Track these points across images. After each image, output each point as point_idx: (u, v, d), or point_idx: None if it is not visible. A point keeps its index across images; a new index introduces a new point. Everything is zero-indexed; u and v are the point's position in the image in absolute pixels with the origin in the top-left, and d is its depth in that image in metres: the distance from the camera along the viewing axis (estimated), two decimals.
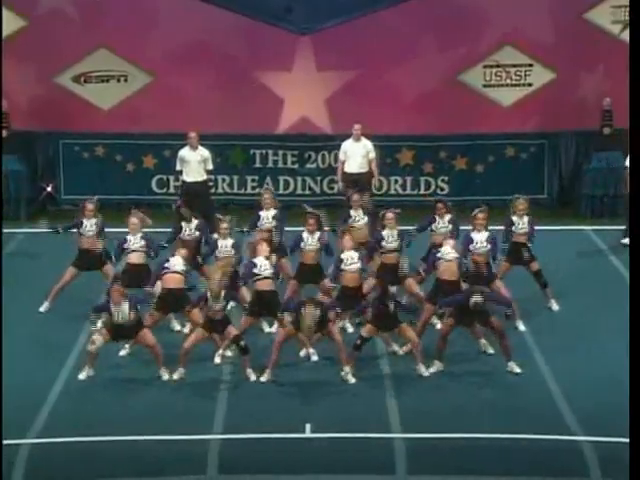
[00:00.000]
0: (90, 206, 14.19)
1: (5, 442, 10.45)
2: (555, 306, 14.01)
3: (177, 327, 13.30)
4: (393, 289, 12.45)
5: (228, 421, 11.07)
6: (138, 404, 11.50)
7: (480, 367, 12.35)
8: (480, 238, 13.23)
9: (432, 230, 13.82)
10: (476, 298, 11.87)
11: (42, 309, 13.96)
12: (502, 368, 12.26)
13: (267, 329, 13.21)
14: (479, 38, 18.71)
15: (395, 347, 12.61)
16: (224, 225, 13.43)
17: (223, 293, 12.02)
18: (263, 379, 11.94)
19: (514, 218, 13.85)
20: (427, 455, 10.48)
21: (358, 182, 16.53)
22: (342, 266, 12.66)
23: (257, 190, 18.21)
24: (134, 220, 13.69)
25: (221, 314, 12.05)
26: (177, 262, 12.75)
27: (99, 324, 12.67)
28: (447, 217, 13.85)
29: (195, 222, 13.92)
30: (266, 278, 12.49)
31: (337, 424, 10.95)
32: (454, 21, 18.51)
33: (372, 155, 17.04)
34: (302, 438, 10.72)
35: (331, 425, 10.93)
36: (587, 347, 12.88)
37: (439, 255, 12.77)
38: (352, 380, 11.93)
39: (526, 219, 13.85)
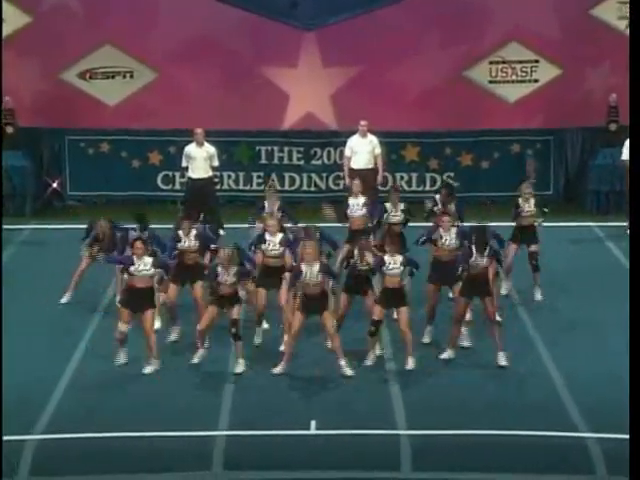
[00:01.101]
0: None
1: (11, 438, 10.47)
2: (539, 295, 14.13)
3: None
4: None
5: (233, 417, 11.07)
6: (143, 400, 11.50)
7: (485, 363, 12.34)
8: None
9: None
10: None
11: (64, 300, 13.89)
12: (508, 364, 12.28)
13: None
14: (485, 34, 18.69)
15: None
16: None
17: (234, 269, 11.94)
18: (349, 373, 11.91)
19: (520, 201, 14.10)
20: (432, 452, 10.47)
21: (364, 178, 16.51)
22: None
23: (263, 187, 18.22)
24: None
25: (232, 290, 12.01)
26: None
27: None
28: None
29: (193, 232, 13.10)
30: (275, 256, 12.53)
31: (342, 421, 10.94)
32: (460, 17, 18.49)
33: (378, 151, 17.04)
34: (307, 435, 10.72)
35: (336, 422, 10.92)
36: (592, 342, 12.86)
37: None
38: (349, 372, 11.88)
39: (532, 202, 14.11)
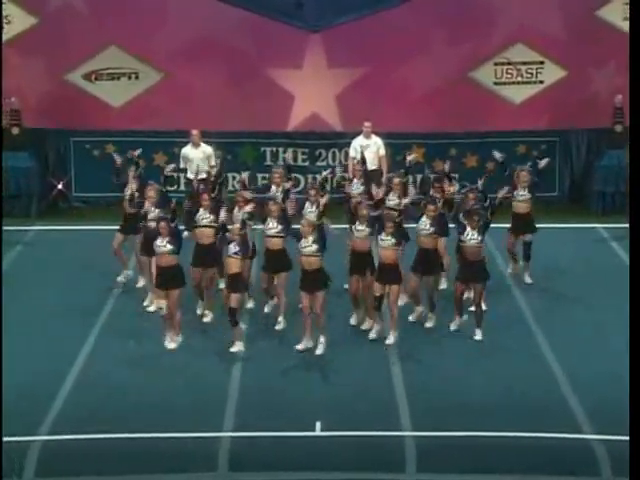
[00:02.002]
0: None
1: (16, 438, 10.48)
2: (528, 279, 14.61)
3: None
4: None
5: (238, 419, 11.08)
6: (148, 401, 11.51)
7: (489, 364, 12.35)
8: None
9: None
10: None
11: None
12: (511, 365, 12.27)
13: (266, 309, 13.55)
14: (490, 35, 18.67)
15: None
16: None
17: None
18: (300, 347, 12.45)
19: (518, 186, 14.53)
20: (436, 453, 10.47)
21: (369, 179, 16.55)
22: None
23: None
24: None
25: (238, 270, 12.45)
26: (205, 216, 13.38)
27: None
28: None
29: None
30: (275, 237, 12.96)
31: (347, 422, 10.95)
32: (464, 18, 18.47)
33: (382, 152, 17.05)
34: (312, 436, 10.72)
35: (341, 423, 10.93)
36: (598, 344, 12.86)
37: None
38: (320, 351, 12.37)
39: (527, 190, 14.47)
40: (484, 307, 13.48)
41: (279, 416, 11.08)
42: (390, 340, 12.69)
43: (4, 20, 18.52)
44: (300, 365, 12.25)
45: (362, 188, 14.43)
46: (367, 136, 17.04)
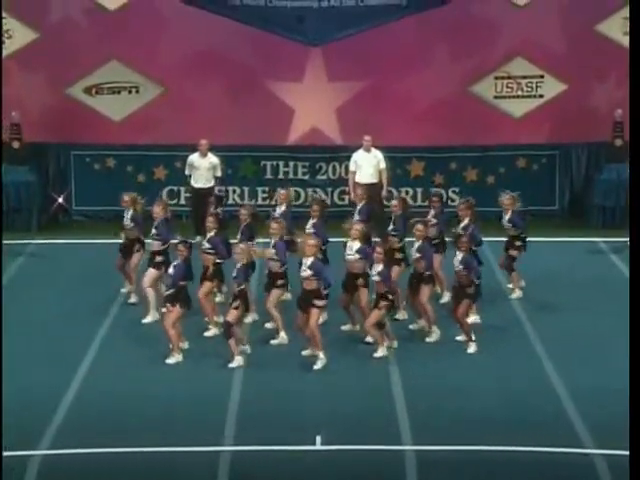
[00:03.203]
0: (126, 197, 14.31)
1: (16, 453, 10.43)
2: (517, 292, 14.57)
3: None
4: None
5: (238, 432, 11.02)
6: (148, 415, 11.45)
7: (489, 377, 12.30)
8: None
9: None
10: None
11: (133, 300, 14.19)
12: (512, 379, 12.22)
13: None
14: (490, 49, 18.68)
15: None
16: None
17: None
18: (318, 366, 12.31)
19: (502, 213, 14.57)
20: (437, 467, 10.42)
21: (369, 193, 16.52)
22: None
23: (267, 201, 18.26)
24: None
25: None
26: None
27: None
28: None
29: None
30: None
31: (347, 435, 10.89)
32: (464, 33, 18.49)
33: (383, 166, 17.05)
34: (312, 450, 10.67)
35: (341, 437, 10.87)
36: (598, 357, 12.81)
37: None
38: (319, 365, 12.25)
39: (510, 213, 14.52)
40: (478, 320, 13.50)
41: (279, 429, 11.03)
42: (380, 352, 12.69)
43: (5, 35, 18.55)
44: (300, 378, 12.18)
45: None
46: (367, 150, 17.03)
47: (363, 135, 17.11)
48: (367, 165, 17.01)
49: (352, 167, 17.14)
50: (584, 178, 18.87)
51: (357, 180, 17.01)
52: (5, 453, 10.32)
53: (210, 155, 17.00)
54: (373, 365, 12.47)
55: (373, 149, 17.03)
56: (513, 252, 14.59)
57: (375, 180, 17.00)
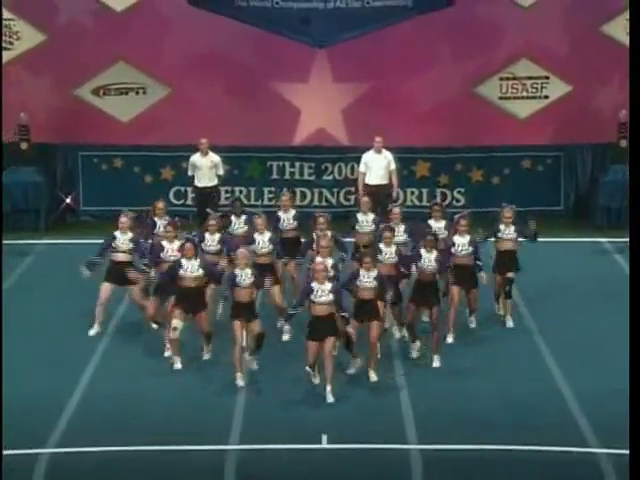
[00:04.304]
0: (123, 219, 13.65)
1: (24, 451, 10.45)
2: (510, 323, 13.78)
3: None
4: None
5: (245, 431, 11.02)
6: (155, 413, 11.46)
7: (493, 379, 12.28)
8: (462, 241, 13.34)
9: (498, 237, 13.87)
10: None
11: (92, 333, 13.50)
12: (516, 380, 12.21)
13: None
14: (495, 51, 18.67)
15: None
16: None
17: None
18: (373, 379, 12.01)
19: (501, 226, 13.87)
20: (442, 466, 10.41)
21: (379, 193, 16.57)
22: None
23: (274, 202, 18.26)
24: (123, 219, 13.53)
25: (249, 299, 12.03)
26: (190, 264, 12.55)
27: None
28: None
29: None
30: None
31: (353, 435, 10.89)
32: (470, 34, 18.47)
33: (393, 167, 17.02)
34: (319, 448, 10.67)
35: (347, 436, 10.87)
36: (603, 357, 12.79)
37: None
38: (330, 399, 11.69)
39: (512, 228, 13.83)
40: (473, 325, 13.44)
41: (285, 429, 11.03)
42: (373, 378, 12.18)
43: (13, 37, 18.58)
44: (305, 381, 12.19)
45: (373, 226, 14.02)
46: (377, 151, 17.02)
47: (369, 136, 17.07)
48: (377, 166, 16.98)
49: (362, 168, 17.08)
50: (589, 179, 18.84)
51: (367, 181, 16.99)
52: (11, 452, 10.36)
53: (211, 154, 17.05)
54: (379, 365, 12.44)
55: (384, 150, 17.01)
56: (512, 274, 13.67)
57: (385, 181, 16.98)
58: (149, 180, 18.77)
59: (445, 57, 18.57)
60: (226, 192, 18.32)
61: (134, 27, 18.57)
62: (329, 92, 18.66)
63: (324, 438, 10.80)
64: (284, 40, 18.23)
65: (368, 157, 17.02)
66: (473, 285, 13.38)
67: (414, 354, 12.83)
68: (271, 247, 13.50)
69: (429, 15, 18.17)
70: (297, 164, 18.73)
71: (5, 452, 10.37)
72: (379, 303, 12.24)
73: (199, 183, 17.12)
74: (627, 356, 12.17)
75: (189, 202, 18.53)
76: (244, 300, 12.06)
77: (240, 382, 11.97)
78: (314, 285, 11.73)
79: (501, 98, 18.85)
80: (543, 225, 16.70)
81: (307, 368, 11.75)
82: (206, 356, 12.71)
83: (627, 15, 18.42)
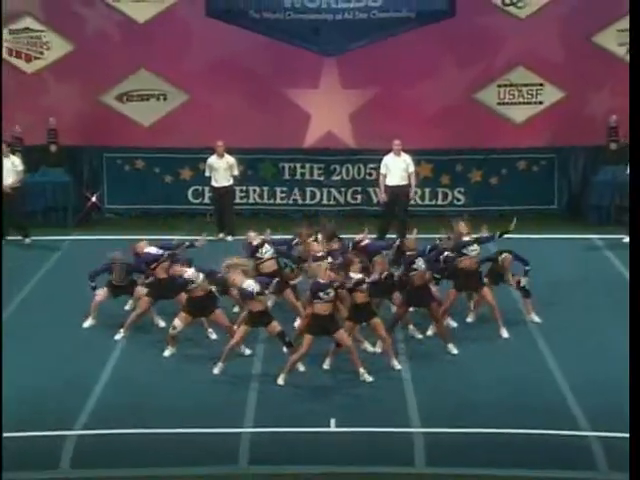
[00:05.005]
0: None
1: (52, 433, 10.46)
2: (505, 333, 13.00)
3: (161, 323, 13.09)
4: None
5: (258, 416, 11.00)
6: (173, 399, 11.44)
7: (493, 366, 12.24)
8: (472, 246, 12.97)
9: None
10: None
11: (86, 325, 13.31)
12: (514, 367, 12.16)
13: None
14: (493, 59, 18.63)
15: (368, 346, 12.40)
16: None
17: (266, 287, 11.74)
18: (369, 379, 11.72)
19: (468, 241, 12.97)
20: (444, 448, 10.38)
21: (398, 194, 16.64)
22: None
23: (285, 200, 18.31)
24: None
25: (263, 307, 11.80)
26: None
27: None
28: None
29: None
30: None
31: (360, 419, 10.86)
32: (470, 43, 18.43)
33: (411, 169, 17.08)
34: (327, 432, 10.65)
35: (354, 420, 10.84)
36: (595, 347, 12.74)
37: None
38: (369, 379, 11.67)
39: (476, 245, 12.95)
40: (453, 324, 13.14)
41: (297, 413, 11.01)
42: (394, 364, 12.01)
43: (44, 47, 18.63)
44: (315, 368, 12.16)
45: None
46: (397, 154, 17.02)
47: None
48: (396, 168, 17.02)
49: (383, 170, 17.11)
50: (581, 179, 18.79)
51: (387, 183, 17.01)
52: (42, 433, 10.37)
53: (227, 156, 17.21)
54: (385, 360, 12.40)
55: (402, 153, 17.02)
56: (524, 280, 13.11)
57: (404, 182, 17.04)
58: (169, 180, 18.77)
59: (446, 65, 18.53)
60: (240, 192, 18.38)
61: (155, 38, 18.57)
62: (338, 98, 18.63)
63: (332, 422, 10.78)
64: (295, 49, 18.22)
65: (388, 160, 17.06)
66: (480, 286, 13.01)
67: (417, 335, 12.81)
68: (273, 251, 13.15)
69: (431, 26, 18.12)
70: (307, 165, 18.71)
71: (35, 433, 10.40)
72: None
73: (216, 183, 17.28)
74: (618, 346, 12.18)
75: (206, 201, 18.54)
76: (258, 309, 11.77)
77: (216, 370, 11.82)
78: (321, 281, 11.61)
79: (499, 104, 18.81)
80: (538, 222, 16.72)
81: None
82: (247, 351, 12.29)
83: (618, 26, 18.40)
